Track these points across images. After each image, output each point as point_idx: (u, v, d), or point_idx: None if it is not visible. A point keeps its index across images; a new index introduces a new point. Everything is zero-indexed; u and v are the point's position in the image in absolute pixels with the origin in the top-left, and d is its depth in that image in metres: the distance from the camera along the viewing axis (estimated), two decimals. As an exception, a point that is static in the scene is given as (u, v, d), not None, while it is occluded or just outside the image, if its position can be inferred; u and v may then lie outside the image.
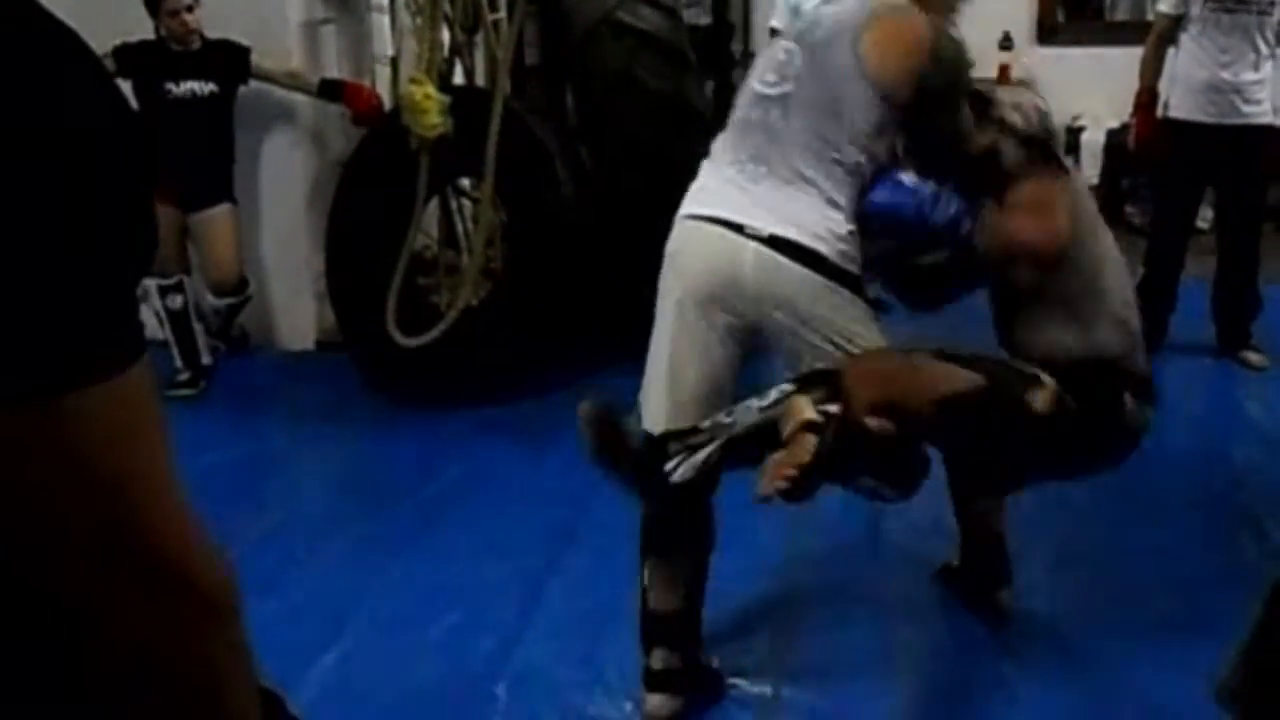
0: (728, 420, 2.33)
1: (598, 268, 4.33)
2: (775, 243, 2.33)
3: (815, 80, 2.37)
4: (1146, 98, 4.48)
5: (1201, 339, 4.73)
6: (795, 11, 4.86)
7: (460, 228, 4.87)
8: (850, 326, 2.35)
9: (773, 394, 2.32)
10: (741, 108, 2.50)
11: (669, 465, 2.33)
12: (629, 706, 2.64)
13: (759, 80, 2.47)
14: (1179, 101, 4.39)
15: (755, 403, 2.33)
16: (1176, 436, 4.01)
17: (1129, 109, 6.40)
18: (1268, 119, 4.31)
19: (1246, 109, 4.28)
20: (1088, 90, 6.60)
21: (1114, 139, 6.53)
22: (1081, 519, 3.35)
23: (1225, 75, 4.28)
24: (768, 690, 2.70)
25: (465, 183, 4.80)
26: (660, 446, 2.37)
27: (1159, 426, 2.59)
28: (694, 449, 2.32)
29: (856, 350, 2.33)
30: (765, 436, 2.28)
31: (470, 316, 4.28)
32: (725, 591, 2.81)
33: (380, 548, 3.36)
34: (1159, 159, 4.52)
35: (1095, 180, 6.67)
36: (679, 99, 4.38)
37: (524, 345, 4.27)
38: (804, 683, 2.72)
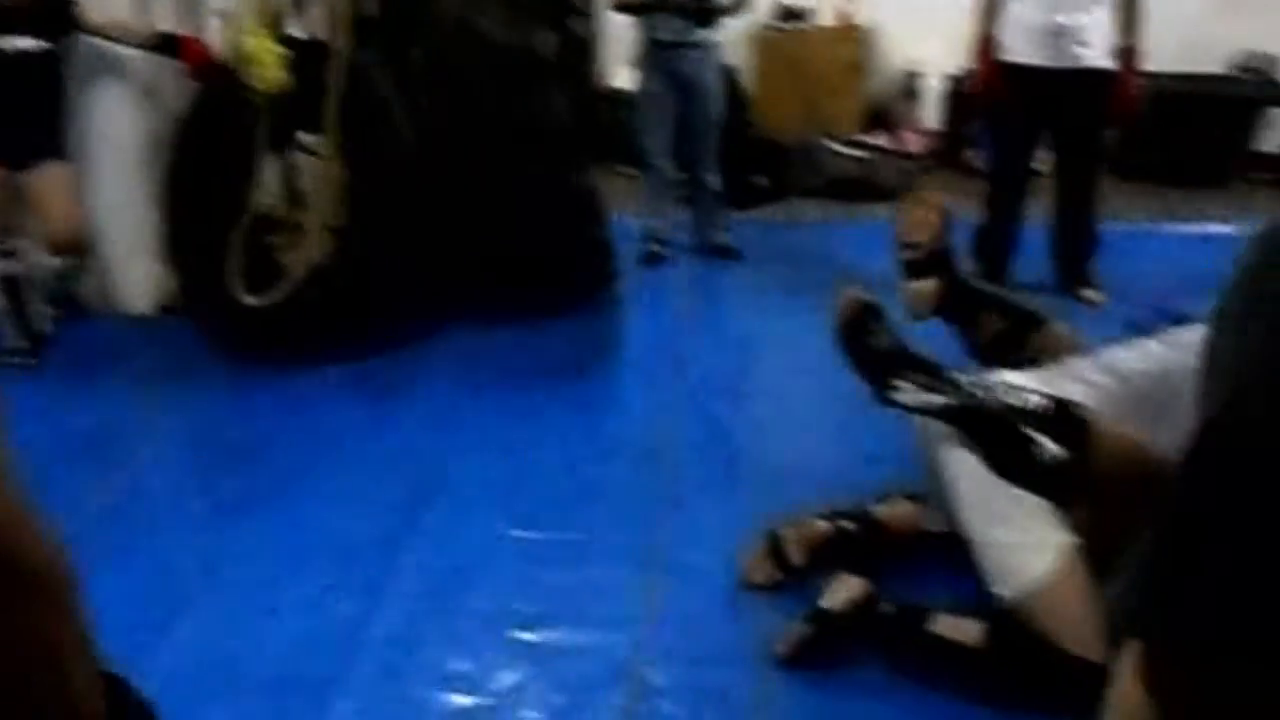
0: (971, 385, 2.38)
1: (444, 221, 4.26)
2: None
3: (1154, 385, 2.48)
4: (985, 44, 4.57)
5: (1042, 279, 4.90)
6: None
7: (302, 183, 4.74)
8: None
9: (1022, 384, 2.39)
10: None
11: (900, 384, 2.43)
12: (490, 661, 2.64)
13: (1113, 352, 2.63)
14: (1015, 46, 4.49)
15: (1003, 383, 2.38)
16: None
17: (967, 55, 6.57)
18: (1101, 62, 4.41)
19: (1080, 52, 4.38)
20: (926, 37, 6.72)
21: (953, 85, 6.67)
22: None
23: (1059, 19, 4.37)
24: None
25: (307, 138, 4.66)
26: (905, 361, 2.47)
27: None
28: (930, 389, 2.41)
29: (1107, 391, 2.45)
30: (991, 424, 2.33)
31: (316, 274, 4.18)
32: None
33: (232, 513, 3.27)
34: (999, 103, 4.63)
35: (936, 125, 6.84)
36: (522, 49, 4.32)
37: (372, 301, 4.20)
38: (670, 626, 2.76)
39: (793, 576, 2.85)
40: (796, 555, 2.86)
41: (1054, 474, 2.28)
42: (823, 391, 3.93)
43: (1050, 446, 2.28)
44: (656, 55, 5.00)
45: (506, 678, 2.59)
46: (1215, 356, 1.07)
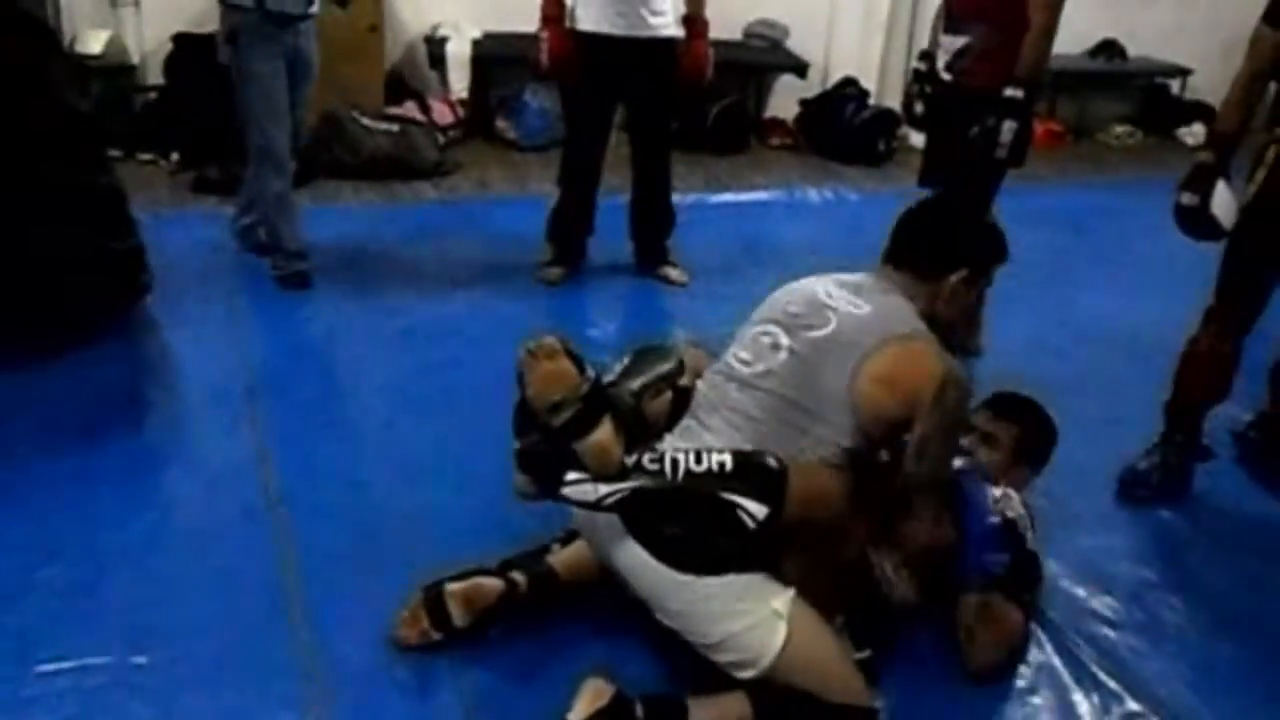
0: (651, 467, 2.12)
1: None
2: None
3: (793, 385, 2.27)
4: (555, 10, 4.18)
5: (621, 259, 4.66)
6: None
7: None
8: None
9: (707, 460, 2.11)
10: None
11: (570, 476, 2.13)
12: None
13: (732, 357, 2.39)
14: (585, 14, 4.16)
15: (685, 460, 2.11)
16: (606, 356, 3.83)
17: (493, 18, 6.21)
18: (672, 31, 4.21)
19: (653, 20, 4.14)
20: (448, -1, 6.29)
21: (479, 49, 6.28)
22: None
23: (632, -12, 4.10)
24: None
25: None
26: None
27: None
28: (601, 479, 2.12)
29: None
30: (691, 502, 2.11)
31: None
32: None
33: None
34: (570, 74, 4.27)
35: (465, 94, 6.41)
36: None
37: None
38: None
39: (452, 637, 2.37)
40: (459, 615, 2.38)
41: (763, 533, 2.10)
42: (438, 418, 3.41)
43: (754, 507, 2.08)
44: (271, 30, 3.99)
45: None
46: None
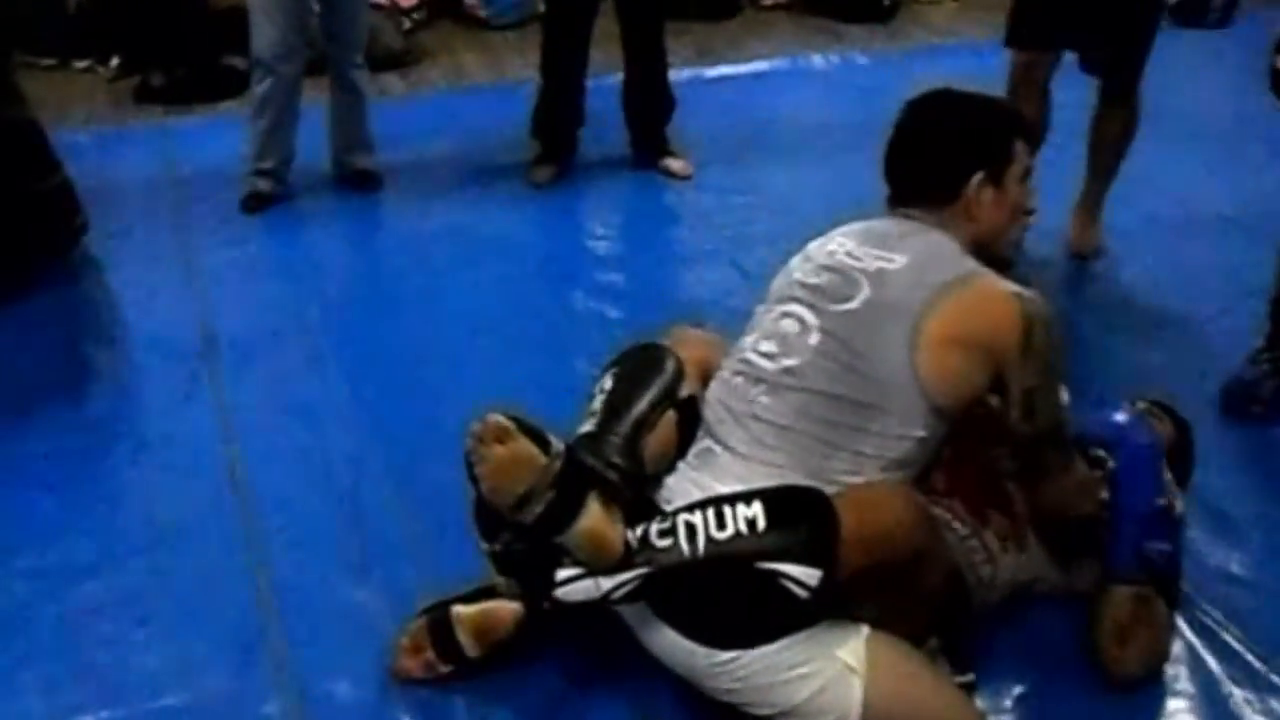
0: (662, 543, 1.71)
1: None
2: None
3: (837, 376, 1.82)
4: None
5: (616, 150, 4.15)
6: None
7: None
8: None
9: (732, 520, 1.68)
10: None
11: (561, 574, 1.75)
12: None
13: (751, 350, 1.93)
14: None
15: (703, 524, 1.70)
16: (614, 272, 3.50)
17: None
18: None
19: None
20: None
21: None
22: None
23: None
24: None
25: None
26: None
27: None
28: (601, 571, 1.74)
29: None
30: (704, 584, 1.72)
31: None
32: None
33: None
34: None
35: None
36: None
37: None
38: None
39: (465, 669, 1.97)
40: (472, 645, 1.97)
41: (820, 598, 1.69)
42: (424, 371, 2.95)
43: (802, 573, 1.66)
44: None
45: None
46: None
